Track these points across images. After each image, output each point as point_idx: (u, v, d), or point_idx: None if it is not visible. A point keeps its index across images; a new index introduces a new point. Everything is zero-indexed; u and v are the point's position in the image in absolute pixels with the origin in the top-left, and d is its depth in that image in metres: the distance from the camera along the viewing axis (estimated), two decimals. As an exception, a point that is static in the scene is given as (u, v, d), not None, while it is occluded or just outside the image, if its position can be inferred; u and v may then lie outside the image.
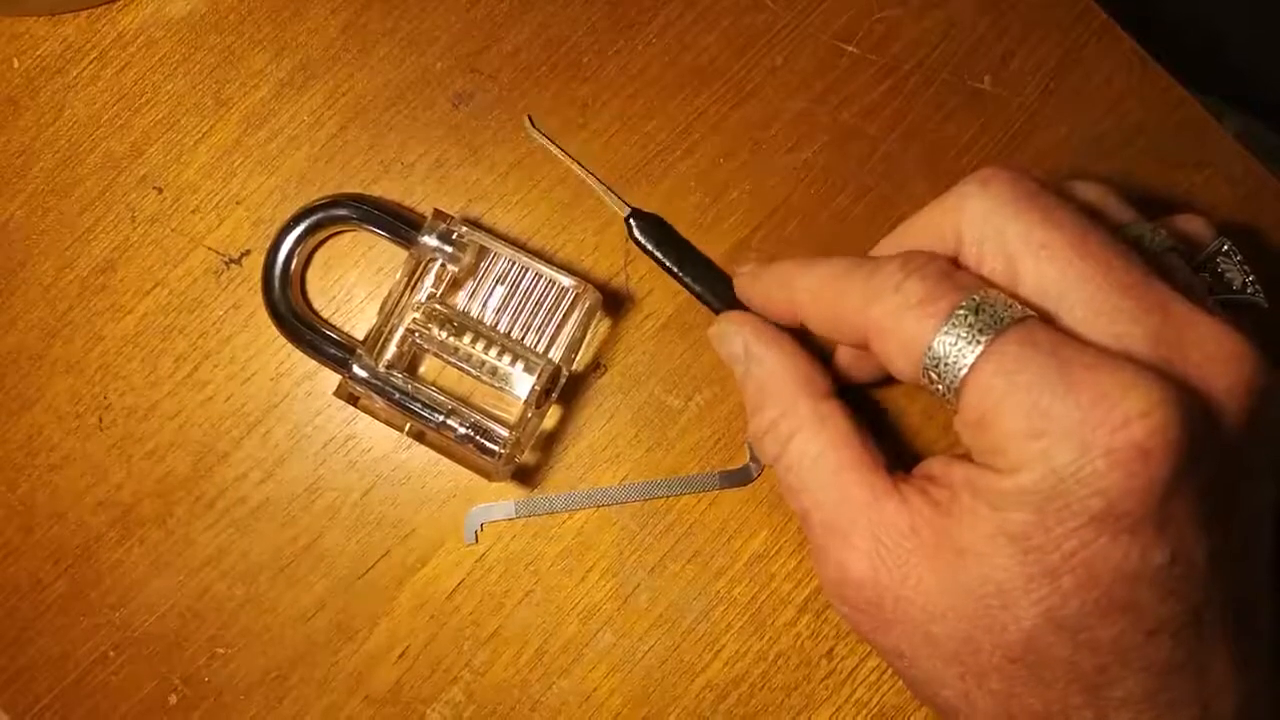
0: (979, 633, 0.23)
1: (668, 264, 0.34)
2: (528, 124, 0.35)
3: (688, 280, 0.33)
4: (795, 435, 0.27)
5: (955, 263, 0.25)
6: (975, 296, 0.23)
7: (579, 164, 0.34)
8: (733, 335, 0.30)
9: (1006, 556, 0.22)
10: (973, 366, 0.22)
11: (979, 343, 0.22)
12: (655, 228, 0.34)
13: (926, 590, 0.24)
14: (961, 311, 0.23)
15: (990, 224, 0.24)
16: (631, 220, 0.34)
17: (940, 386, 0.23)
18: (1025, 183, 0.25)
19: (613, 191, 0.34)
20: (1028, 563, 0.22)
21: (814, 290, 0.27)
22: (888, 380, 0.33)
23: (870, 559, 0.25)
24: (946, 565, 0.23)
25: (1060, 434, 0.21)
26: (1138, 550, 0.21)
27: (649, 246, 0.34)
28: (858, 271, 0.25)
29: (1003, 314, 0.23)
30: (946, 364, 0.23)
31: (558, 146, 0.34)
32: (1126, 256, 0.23)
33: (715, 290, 0.33)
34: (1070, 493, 0.21)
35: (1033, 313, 0.23)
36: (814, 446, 0.27)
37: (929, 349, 0.23)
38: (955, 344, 0.23)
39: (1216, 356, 0.22)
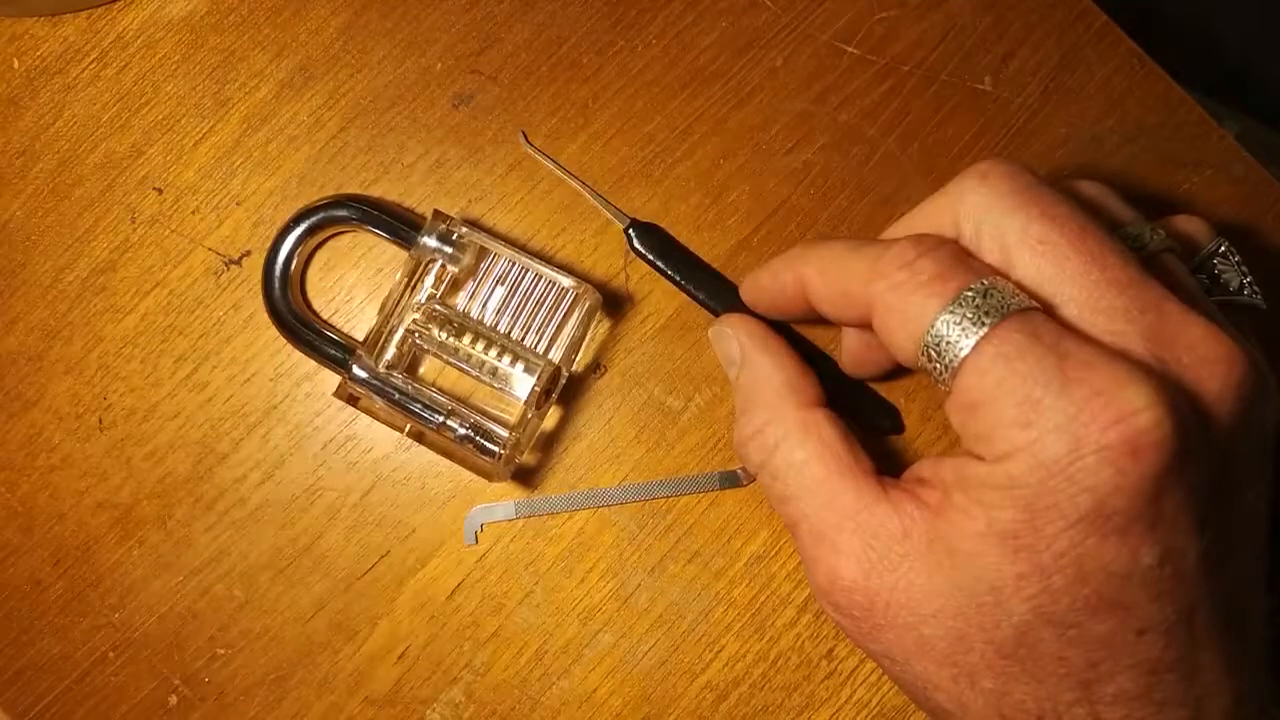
0: (971, 631, 0.23)
1: (669, 272, 0.33)
2: (522, 139, 0.35)
3: (689, 287, 0.33)
4: (781, 443, 0.27)
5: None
6: (984, 281, 0.23)
7: (575, 178, 0.34)
8: (728, 337, 0.30)
9: (997, 555, 0.22)
10: (973, 349, 0.22)
11: (983, 324, 0.22)
12: (654, 237, 0.34)
13: (918, 593, 0.24)
14: (969, 293, 0.23)
15: (988, 217, 0.24)
16: (630, 230, 0.34)
17: (938, 366, 0.23)
18: (1024, 176, 0.25)
19: (610, 203, 0.34)
20: (1018, 561, 0.22)
21: (822, 264, 0.27)
22: (890, 377, 0.34)
23: (860, 564, 0.25)
24: (938, 566, 0.23)
25: (1051, 427, 0.21)
26: (1128, 550, 0.21)
27: (649, 256, 0.34)
28: (868, 248, 0.26)
29: (1009, 301, 0.23)
30: (948, 343, 0.23)
31: (553, 161, 0.34)
32: (1123, 254, 0.23)
33: (717, 296, 0.33)
34: (1059, 489, 0.21)
35: (1037, 304, 0.23)
36: (799, 454, 0.27)
37: (931, 327, 0.23)
38: (959, 323, 0.23)
39: (1208, 358, 0.22)
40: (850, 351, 0.31)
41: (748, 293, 0.31)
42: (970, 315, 0.22)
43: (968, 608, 0.23)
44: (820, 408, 0.28)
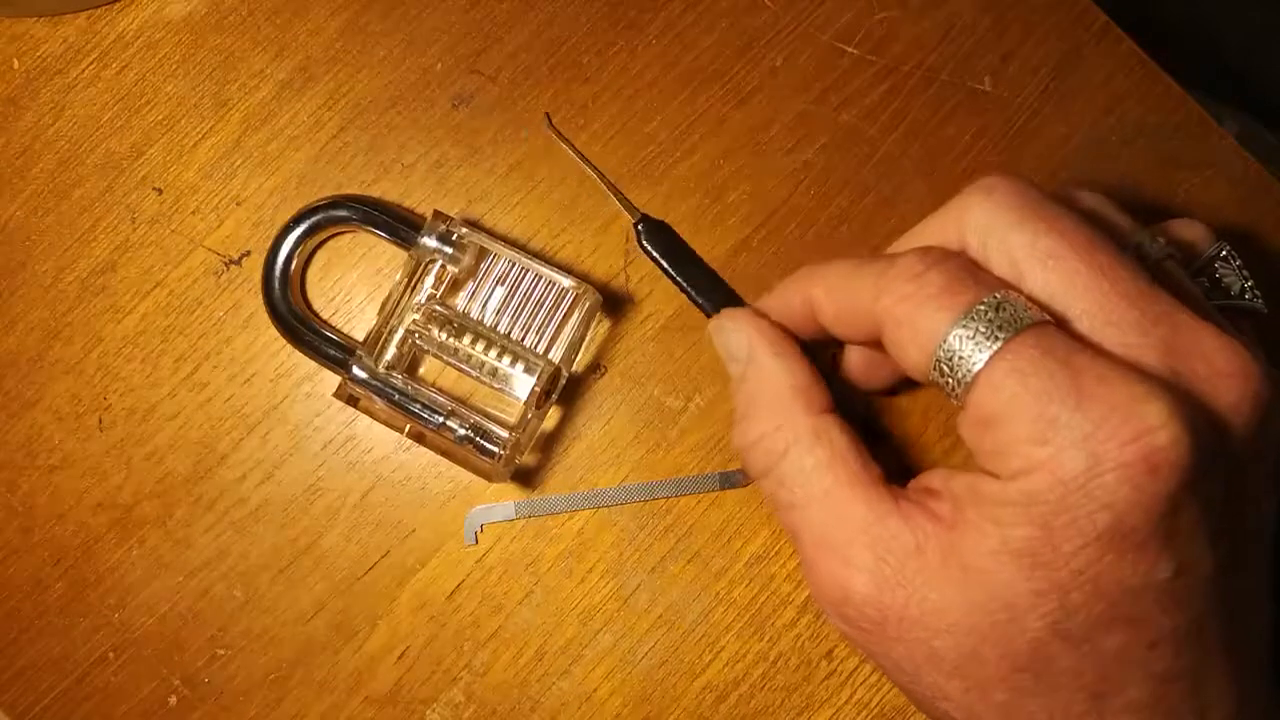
0: (985, 645, 0.23)
1: (672, 273, 0.33)
2: (546, 122, 0.34)
3: (690, 290, 0.33)
4: (790, 449, 0.26)
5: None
6: (997, 295, 0.23)
7: (593, 166, 0.34)
8: (734, 332, 0.29)
9: (1013, 572, 0.22)
10: (986, 364, 0.22)
11: (997, 339, 0.22)
12: (662, 235, 0.34)
13: (930, 608, 0.23)
14: (982, 307, 0.23)
15: (995, 231, 0.24)
16: (640, 226, 0.34)
17: (950, 381, 0.23)
18: (1030, 191, 0.24)
19: (623, 196, 0.34)
20: (1035, 578, 0.22)
21: (829, 283, 0.27)
22: (896, 390, 0.33)
23: (873, 578, 0.24)
24: (952, 581, 0.23)
25: (1068, 444, 0.21)
26: (1144, 565, 0.21)
27: (655, 254, 0.33)
28: (875, 264, 0.25)
29: (1022, 315, 0.22)
30: (960, 358, 0.22)
31: (573, 148, 0.34)
32: (1131, 267, 0.23)
33: (716, 301, 0.33)
34: (1077, 506, 0.21)
35: (1050, 318, 0.23)
36: (809, 462, 0.26)
37: (944, 342, 0.23)
38: (972, 338, 0.22)
39: (1224, 370, 0.22)
40: (854, 367, 0.31)
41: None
42: (983, 329, 0.22)
43: (982, 623, 0.23)
44: (830, 413, 0.27)
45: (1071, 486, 0.21)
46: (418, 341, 0.32)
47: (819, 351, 0.33)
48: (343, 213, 0.33)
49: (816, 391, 0.27)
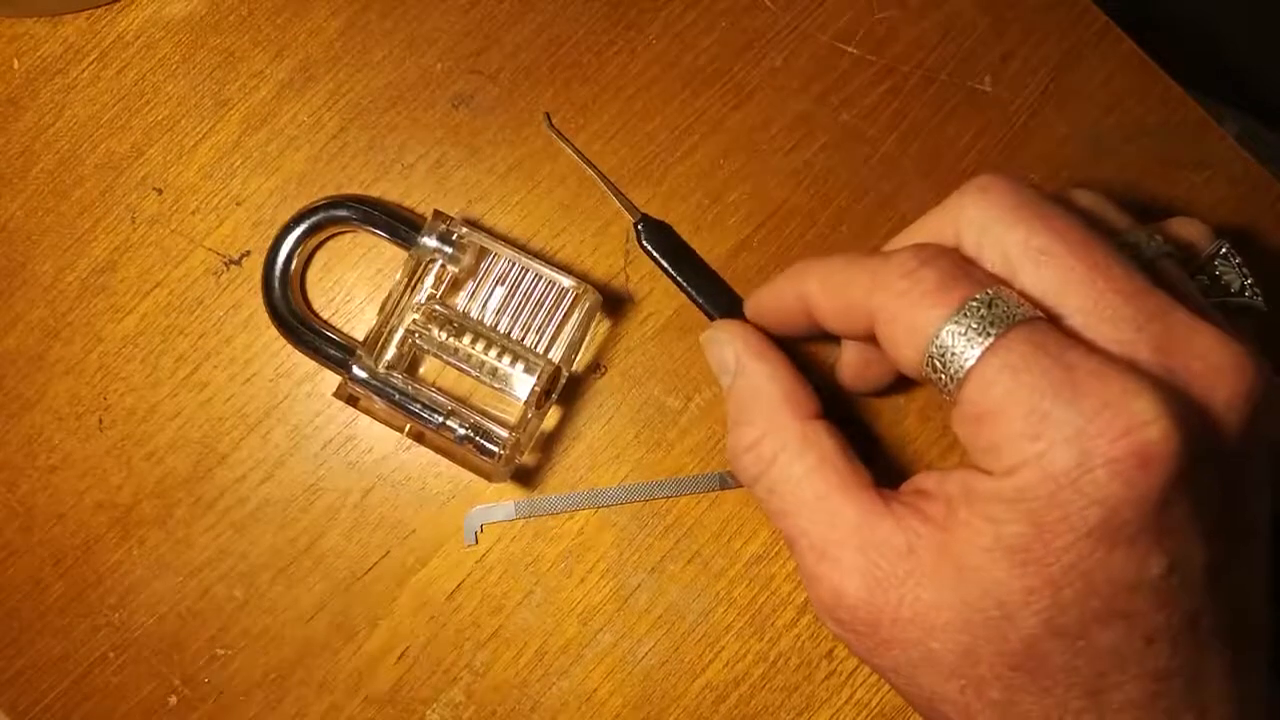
0: (979, 644, 0.23)
1: (673, 273, 0.33)
2: (545, 121, 0.35)
3: (690, 291, 0.33)
4: (779, 456, 0.27)
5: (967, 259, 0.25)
6: (989, 291, 0.23)
7: (593, 166, 0.34)
8: (723, 343, 0.29)
9: (1005, 569, 0.22)
10: (978, 360, 0.22)
11: (988, 335, 0.22)
12: (663, 235, 0.34)
13: (924, 608, 0.24)
14: (974, 304, 0.23)
15: (989, 230, 0.24)
16: (640, 226, 0.34)
17: (943, 377, 0.23)
18: (1025, 190, 0.25)
19: (623, 196, 0.34)
20: (1027, 574, 0.22)
21: (823, 278, 0.27)
22: (889, 392, 0.33)
23: (866, 581, 0.24)
24: (945, 581, 0.23)
25: (1060, 439, 0.21)
26: (1136, 560, 0.21)
27: (655, 254, 0.33)
28: (869, 260, 0.25)
29: (1014, 311, 0.22)
30: (952, 354, 0.22)
31: (573, 148, 0.34)
32: (1126, 264, 0.23)
33: (716, 301, 0.33)
34: (1069, 502, 0.21)
35: (1041, 314, 0.23)
36: (798, 468, 0.26)
37: (936, 337, 0.23)
38: (964, 334, 0.22)
39: (1218, 366, 0.22)
40: (849, 365, 0.31)
41: (752, 312, 0.31)
42: (975, 325, 0.22)
43: (975, 622, 0.23)
44: (818, 419, 0.27)
45: (1063, 482, 0.21)
46: (418, 341, 0.32)
47: (812, 357, 0.33)
48: (343, 213, 0.33)
49: (803, 396, 0.28)
